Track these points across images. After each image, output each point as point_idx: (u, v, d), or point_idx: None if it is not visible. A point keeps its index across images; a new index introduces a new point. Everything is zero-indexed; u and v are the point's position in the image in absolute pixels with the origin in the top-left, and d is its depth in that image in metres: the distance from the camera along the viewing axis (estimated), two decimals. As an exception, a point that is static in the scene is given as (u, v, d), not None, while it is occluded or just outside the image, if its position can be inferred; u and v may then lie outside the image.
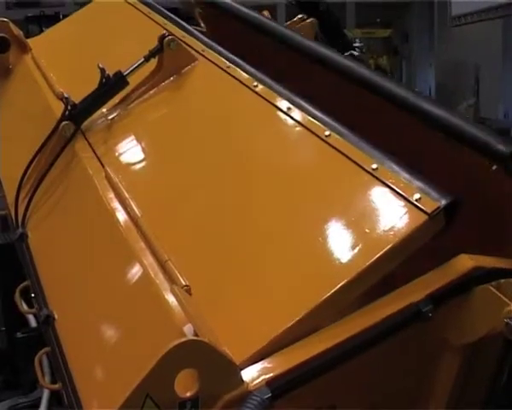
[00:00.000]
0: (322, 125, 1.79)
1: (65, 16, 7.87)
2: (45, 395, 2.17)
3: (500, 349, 1.50)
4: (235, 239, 1.71)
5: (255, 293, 1.54)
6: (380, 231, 1.49)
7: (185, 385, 1.23)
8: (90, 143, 2.31)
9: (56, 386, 1.85)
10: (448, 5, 12.36)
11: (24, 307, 2.21)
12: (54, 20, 7.71)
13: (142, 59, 2.35)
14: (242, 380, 1.28)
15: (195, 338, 1.28)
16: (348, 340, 1.36)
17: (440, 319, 1.47)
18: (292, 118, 1.89)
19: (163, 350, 1.18)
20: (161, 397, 1.20)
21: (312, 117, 1.84)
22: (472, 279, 1.50)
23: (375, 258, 1.43)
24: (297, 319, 1.39)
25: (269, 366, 1.33)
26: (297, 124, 1.87)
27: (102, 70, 2.31)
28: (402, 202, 1.51)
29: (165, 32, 2.41)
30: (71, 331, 1.87)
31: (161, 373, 1.19)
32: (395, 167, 1.59)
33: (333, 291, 1.41)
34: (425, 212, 1.46)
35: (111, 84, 2.34)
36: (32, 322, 2.48)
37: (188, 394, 1.23)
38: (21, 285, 2.21)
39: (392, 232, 1.47)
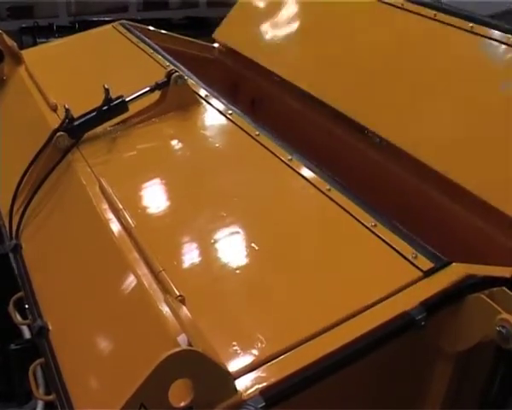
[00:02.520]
0: (322, 180, 1.90)
1: (58, 27, 7.87)
2: (39, 406, 2.15)
3: (492, 357, 1.50)
4: (229, 249, 1.72)
5: (247, 302, 1.55)
6: (376, 284, 1.56)
7: (179, 395, 1.23)
8: (83, 155, 2.31)
9: (51, 397, 1.84)
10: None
11: (18, 318, 2.20)
12: (47, 30, 7.71)
13: (147, 88, 2.41)
14: (236, 389, 1.28)
15: (189, 348, 1.28)
16: (341, 349, 1.36)
17: (433, 327, 1.47)
18: (293, 169, 1.98)
19: (157, 360, 1.18)
20: (156, 407, 1.20)
21: (312, 171, 1.95)
22: (464, 287, 1.51)
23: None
24: (286, 345, 1.41)
25: (262, 375, 1.33)
26: (298, 176, 1.96)
27: (107, 91, 2.34)
28: (399, 259, 1.60)
29: (172, 68, 2.50)
30: (65, 342, 1.87)
31: (155, 383, 1.19)
32: (391, 226, 1.70)
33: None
34: (420, 269, 1.55)
35: (112, 107, 2.36)
36: (26, 333, 2.47)
37: (182, 403, 1.24)
38: (15, 296, 2.20)
39: (387, 285, 1.53)
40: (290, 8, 3.14)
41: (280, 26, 3.11)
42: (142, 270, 1.71)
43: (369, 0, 2.80)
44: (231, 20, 3.44)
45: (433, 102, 2.35)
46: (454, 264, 1.58)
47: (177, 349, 1.21)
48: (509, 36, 2.27)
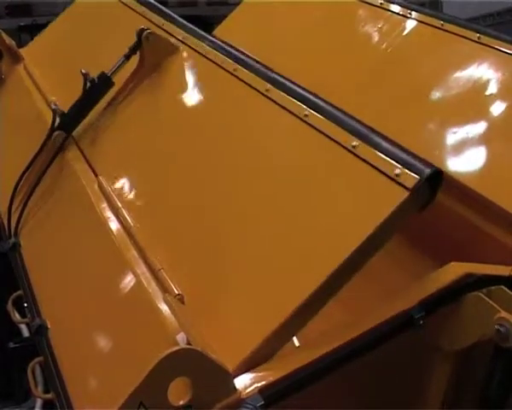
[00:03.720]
0: (301, 105, 1.75)
1: (57, 25, 7.83)
2: (38, 404, 2.16)
3: (491, 355, 1.51)
4: (226, 247, 1.70)
5: (245, 299, 1.54)
6: (359, 214, 1.47)
7: (178, 393, 1.23)
8: (82, 152, 2.32)
9: (49, 396, 1.84)
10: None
11: (17, 316, 2.20)
12: (46, 29, 7.70)
13: (123, 58, 2.36)
14: (235, 388, 1.28)
15: (188, 347, 1.28)
16: (340, 348, 1.36)
17: (432, 325, 1.47)
18: (271, 99, 1.87)
19: (156, 359, 1.18)
20: (155, 405, 1.20)
21: (292, 96, 1.81)
22: (463, 286, 1.51)
23: (356, 246, 1.42)
24: (289, 313, 1.40)
25: (261, 374, 1.33)
26: (275, 105, 1.84)
27: (85, 75, 2.33)
28: (382, 180, 1.46)
29: (143, 26, 2.39)
30: (64, 341, 1.86)
31: (154, 382, 1.19)
32: (376, 143, 1.54)
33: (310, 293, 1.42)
34: (405, 187, 1.41)
35: (97, 87, 2.35)
36: (25, 332, 2.47)
37: (181, 402, 1.23)
38: (14, 295, 2.20)
39: (371, 214, 1.44)
40: (293, 11, 3.13)
41: (282, 28, 3.10)
42: (141, 268, 1.71)
43: (374, 5, 2.81)
44: (234, 19, 3.43)
45: (428, 99, 2.36)
46: (453, 263, 1.58)
47: (176, 348, 1.21)
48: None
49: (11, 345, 2.48)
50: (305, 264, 1.49)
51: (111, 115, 2.39)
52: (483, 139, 2.13)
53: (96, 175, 2.16)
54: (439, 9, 12.16)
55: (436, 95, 2.35)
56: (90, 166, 2.25)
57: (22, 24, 7.82)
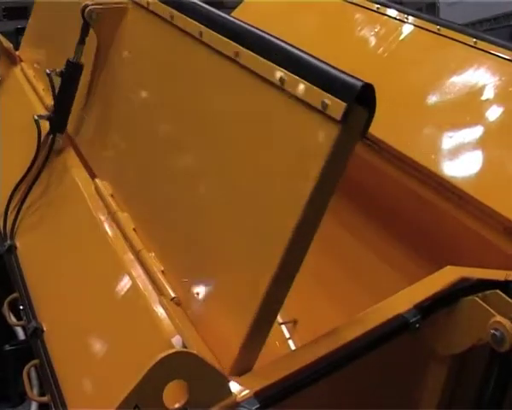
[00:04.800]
0: (231, 43, 1.64)
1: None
2: (34, 407, 2.15)
3: (487, 360, 1.51)
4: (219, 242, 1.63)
5: (220, 298, 1.52)
6: (296, 168, 1.37)
7: (174, 396, 1.23)
8: (79, 151, 2.32)
9: (45, 398, 1.84)
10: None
11: (12, 319, 2.20)
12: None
13: (78, 41, 2.31)
14: (231, 391, 1.28)
15: (184, 350, 1.28)
16: (336, 351, 1.36)
17: (427, 329, 1.48)
18: (204, 42, 1.78)
19: (152, 362, 1.18)
20: (150, 408, 1.21)
21: (224, 35, 1.69)
22: (459, 290, 1.51)
23: (300, 212, 1.31)
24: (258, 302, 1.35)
25: (257, 377, 1.34)
26: (208, 48, 1.75)
27: (49, 75, 2.34)
28: (311, 116, 1.33)
29: (85, 3, 2.28)
30: (59, 344, 1.86)
31: (150, 385, 1.19)
32: (305, 71, 1.39)
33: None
34: (335, 120, 1.27)
35: (68, 77, 2.33)
36: (21, 334, 2.47)
37: (176, 405, 1.23)
38: (10, 297, 2.20)
39: (308, 164, 1.32)
40: (292, 14, 3.13)
41: (280, 30, 3.10)
42: (137, 271, 1.71)
43: (370, 9, 2.82)
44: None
45: (424, 104, 2.37)
46: (448, 267, 1.58)
47: (172, 351, 1.22)
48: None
49: (7, 348, 2.48)
50: (258, 244, 1.43)
51: (94, 104, 2.38)
52: (479, 144, 2.14)
53: (93, 177, 2.16)
54: (436, 14, 12.22)
55: (432, 99, 2.35)
56: (87, 167, 2.25)
57: (20, 26, 7.81)
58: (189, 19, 1.85)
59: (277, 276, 1.33)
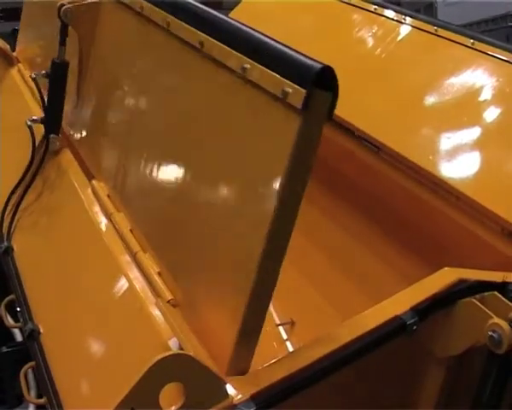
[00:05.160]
0: (198, 33, 1.59)
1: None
2: (31, 409, 2.15)
3: (484, 362, 1.51)
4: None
5: (214, 298, 1.51)
6: (263, 161, 1.33)
7: (170, 399, 1.23)
8: (77, 150, 2.32)
9: (42, 401, 1.83)
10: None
11: (9, 321, 2.20)
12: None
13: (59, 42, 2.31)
14: (227, 393, 1.28)
15: (180, 352, 1.28)
16: (333, 353, 1.36)
17: (425, 331, 1.47)
18: (171, 33, 1.74)
19: (148, 364, 1.18)
20: (146, 411, 1.20)
21: (190, 24, 1.64)
22: (456, 292, 1.51)
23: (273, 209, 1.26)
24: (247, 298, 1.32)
25: (254, 379, 1.33)
26: (174, 39, 1.72)
27: (34, 79, 2.38)
28: (274, 106, 1.28)
29: (59, 4, 2.27)
30: (56, 346, 1.86)
31: (146, 387, 1.19)
32: (267, 59, 1.33)
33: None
34: (296, 108, 1.22)
35: (54, 77, 2.33)
36: (18, 336, 2.46)
37: (173, 407, 1.23)
38: (7, 299, 2.19)
39: (274, 157, 1.28)
40: (290, 15, 3.13)
41: (278, 31, 3.10)
42: (134, 273, 1.70)
43: (368, 10, 2.82)
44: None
45: (421, 105, 2.37)
46: (446, 268, 1.58)
47: (168, 353, 1.21)
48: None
49: (4, 349, 2.47)
50: (237, 243, 1.40)
51: (83, 102, 2.38)
52: (476, 145, 2.14)
53: (90, 178, 2.16)
54: (434, 15, 12.20)
55: (430, 100, 2.35)
56: (83, 168, 2.25)
57: (17, 28, 7.80)
58: (157, 9, 1.82)
59: (260, 271, 1.30)
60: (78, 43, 2.35)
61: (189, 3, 1.70)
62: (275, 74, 1.27)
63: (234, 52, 1.41)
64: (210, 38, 1.52)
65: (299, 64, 1.24)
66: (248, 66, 1.35)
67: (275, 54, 1.32)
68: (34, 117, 2.39)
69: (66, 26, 2.28)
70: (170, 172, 1.73)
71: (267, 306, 1.37)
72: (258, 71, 1.33)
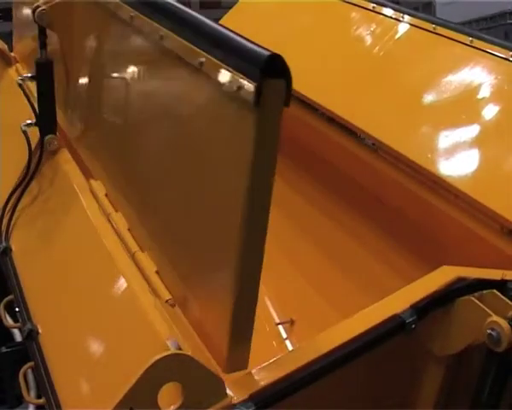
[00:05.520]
0: (157, 26, 1.55)
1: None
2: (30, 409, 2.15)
3: (483, 360, 1.50)
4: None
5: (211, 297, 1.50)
6: (221, 154, 1.32)
7: (169, 399, 1.22)
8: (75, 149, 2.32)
9: (41, 401, 1.83)
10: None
11: (8, 321, 2.20)
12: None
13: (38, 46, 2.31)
14: (226, 393, 1.27)
15: (178, 352, 1.28)
16: (331, 352, 1.36)
17: (424, 329, 1.47)
18: (134, 26, 1.71)
19: (146, 364, 1.18)
20: (145, 411, 1.20)
21: (150, 19, 1.61)
22: (455, 290, 1.51)
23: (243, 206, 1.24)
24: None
25: (252, 378, 1.33)
26: (136, 32, 1.70)
27: (21, 85, 2.41)
28: (229, 100, 1.25)
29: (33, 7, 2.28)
30: (55, 346, 1.86)
31: (145, 387, 1.19)
32: (222, 53, 1.29)
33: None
34: (249, 103, 1.17)
35: (40, 77, 2.33)
36: (18, 336, 2.46)
37: (172, 407, 1.23)
38: (6, 299, 2.19)
39: (233, 151, 1.27)
40: (287, 14, 3.12)
41: (276, 30, 3.09)
42: (132, 273, 1.70)
43: (366, 8, 2.82)
44: (229, 19, 3.41)
45: (420, 102, 2.37)
46: (444, 266, 1.58)
47: (167, 353, 1.21)
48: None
49: (3, 350, 2.47)
50: (217, 240, 1.38)
51: (75, 100, 2.38)
52: (475, 142, 2.14)
53: (88, 178, 2.16)
54: (433, 13, 12.23)
55: (428, 98, 2.35)
56: (82, 168, 2.25)
57: (16, 27, 7.79)
58: (122, 4, 1.79)
59: (241, 266, 1.28)
60: (59, 43, 2.34)
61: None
62: (228, 68, 1.24)
63: (190, 46, 1.38)
64: (169, 32, 1.49)
65: (249, 57, 1.21)
66: (204, 60, 1.32)
67: (228, 47, 1.29)
68: (28, 121, 2.38)
69: (43, 29, 2.28)
70: (146, 171, 1.73)
71: (255, 299, 1.34)
72: (213, 65, 1.29)
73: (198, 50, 1.35)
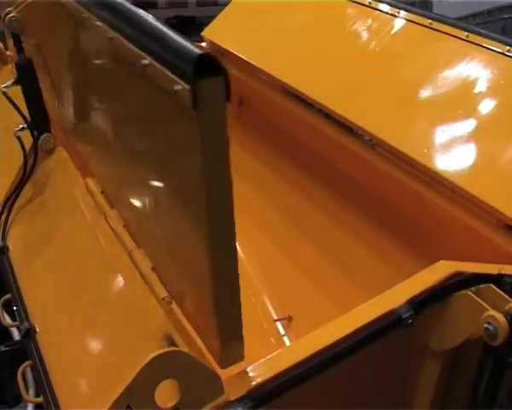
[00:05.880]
0: (107, 28, 1.50)
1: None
2: (29, 409, 2.15)
3: (480, 354, 1.51)
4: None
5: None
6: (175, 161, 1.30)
7: (166, 396, 1.23)
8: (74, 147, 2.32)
9: (40, 399, 1.84)
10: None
11: (7, 319, 2.20)
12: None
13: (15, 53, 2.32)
14: (223, 390, 1.27)
15: (175, 349, 1.28)
16: (328, 348, 1.36)
17: (420, 324, 1.47)
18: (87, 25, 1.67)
19: (143, 361, 1.18)
20: (142, 408, 1.20)
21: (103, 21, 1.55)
22: (452, 285, 1.50)
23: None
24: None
25: (250, 375, 1.33)
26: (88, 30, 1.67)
27: (5, 93, 2.37)
28: (171, 103, 1.20)
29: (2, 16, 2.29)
30: (52, 344, 1.86)
31: (142, 385, 1.19)
32: (162, 55, 1.23)
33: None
34: (187, 105, 1.13)
35: (22, 78, 2.34)
36: (16, 335, 2.46)
37: (169, 404, 1.23)
38: (4, 298, 2.20)
39: (184, 157, 1.23)
40: (283, 10, 3.12)
41: (271, 27, 3.09)
42: (129, 270, 1.70)
43: (362, 4, 2.81)
44: (222, 19, 3.41)
45: (416, 97, 2.37)
46: (442, 261, 1.57)
47: (164, 350, 1.21)
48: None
49: (2, 348, 2.47)
50: (190, 238, 1.34)
51: (67, 99, 2.33)
52: (471, 137, 2.13)
53: (84, 176, 2.16)
54: (429, 8, 12.20)
55: (425, 94, 2.35)
56: (78, 166, 2.25)
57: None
58: (76, 5, 1.74)
59: (213, 259, 1.24)
60: (37, 45, 2.32)
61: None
62: (166, 71, 1.19)
63: (133, 48, 1.33)
64: (118, 35, 1.44)
65: (183, 58, 1.15)
66: (147, 62, 1.27)
67: (166, 48, 1.23)
68: (20, 125, 2.38)
69: (16, 36, 2.29)
70: (122, 171, 1.72)
71: (237, 289, 1.29)
72: (154, 68, 1.24)
73: (139, 52, 1.30)
